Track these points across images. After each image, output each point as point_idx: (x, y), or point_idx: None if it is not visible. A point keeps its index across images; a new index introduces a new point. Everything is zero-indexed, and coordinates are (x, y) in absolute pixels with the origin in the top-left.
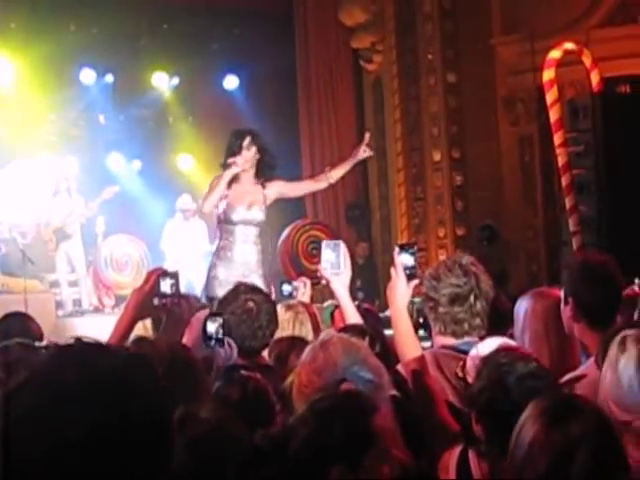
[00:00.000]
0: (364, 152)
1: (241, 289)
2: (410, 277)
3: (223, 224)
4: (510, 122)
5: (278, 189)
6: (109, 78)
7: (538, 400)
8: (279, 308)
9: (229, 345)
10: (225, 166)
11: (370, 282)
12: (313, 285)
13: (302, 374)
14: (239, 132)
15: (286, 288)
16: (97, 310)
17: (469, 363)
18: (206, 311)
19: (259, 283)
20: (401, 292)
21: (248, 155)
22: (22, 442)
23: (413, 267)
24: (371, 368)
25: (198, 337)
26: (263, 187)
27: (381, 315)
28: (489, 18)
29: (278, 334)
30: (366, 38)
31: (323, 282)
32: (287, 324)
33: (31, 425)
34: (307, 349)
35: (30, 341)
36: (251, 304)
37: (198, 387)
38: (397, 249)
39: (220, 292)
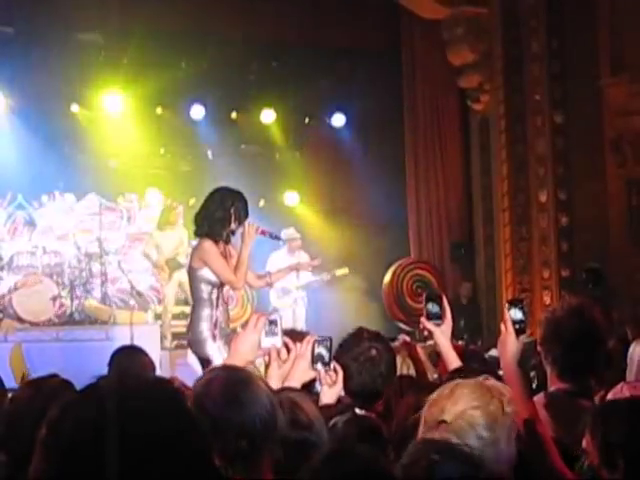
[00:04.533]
0: (308, 268)
1: (364, 335)
2: (519, 331)
3: None
4: (617, 164)
5: None
6: (218, 114)
7: None
8: None
9: (334, 370)
10: None
11: (473, 322)
12: (423, 340)
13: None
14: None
15: None
16: None
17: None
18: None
19: None
20: (512, 347)
21: None
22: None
23: (522, 321)
24: (487, 423)
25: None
26: None
27: (485, 355)
28: (597, 59)
29: None
30: (473, 78)
31: (425, 333)
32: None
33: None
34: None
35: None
36: (374, 352)
37: None
38: (507, 305)
39: None
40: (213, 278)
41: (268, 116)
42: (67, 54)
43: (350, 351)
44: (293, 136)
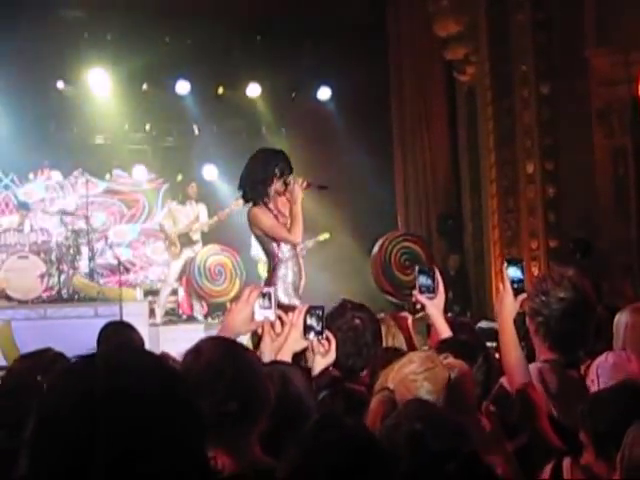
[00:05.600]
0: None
1: (348, 306)
2: (518, 291)
3: None
4: (604, 134)
5: None
6: (204, 89)
7: None
8: None
9: (327, 339)
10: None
11: (462, 294)
12: (414, 312)
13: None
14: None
15: None
16: (190, 318)
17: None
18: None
19: None
20: (508, 305)
21: None
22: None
23: (521, 281)
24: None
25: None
26: None
27: (475, 327)
28: (583, 29)
29: None
30: (459, 49)
31: (418, 306)
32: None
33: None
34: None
35: None
36: (357, 321)
37: None
38: (505, 263)
39: None
40: None
41: (253, 90)
42: (51, 31)
43: (333, 322)
44: (279, 110)
